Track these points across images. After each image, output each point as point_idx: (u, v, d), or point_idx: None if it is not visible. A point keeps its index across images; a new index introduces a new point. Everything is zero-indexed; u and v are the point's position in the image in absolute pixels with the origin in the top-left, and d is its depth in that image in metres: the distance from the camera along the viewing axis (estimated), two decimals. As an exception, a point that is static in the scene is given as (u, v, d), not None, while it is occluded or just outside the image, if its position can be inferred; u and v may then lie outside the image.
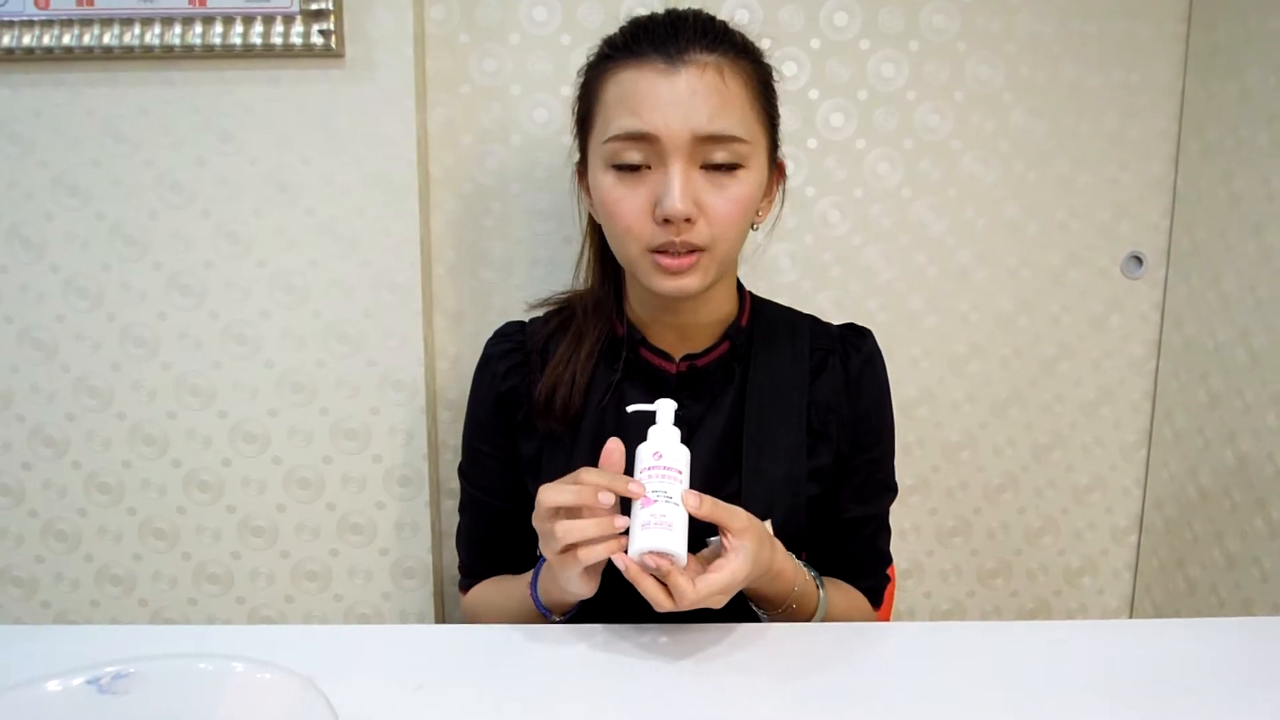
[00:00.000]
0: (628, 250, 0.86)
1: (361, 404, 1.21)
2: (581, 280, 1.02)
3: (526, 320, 1.03)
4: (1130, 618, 1.39)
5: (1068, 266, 1.30)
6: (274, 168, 1.16)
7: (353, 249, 1.18)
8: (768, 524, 0.88)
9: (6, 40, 1.10)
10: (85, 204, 1.16)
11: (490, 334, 1.02)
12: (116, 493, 1.22)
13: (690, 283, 0.84)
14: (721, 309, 0.94)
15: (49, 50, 1.11)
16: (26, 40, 1.10)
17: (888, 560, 1.02)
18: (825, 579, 0.93)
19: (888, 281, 1.29)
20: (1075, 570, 1.38)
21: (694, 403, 0.93)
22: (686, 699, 0.71)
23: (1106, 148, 1.27)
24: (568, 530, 0.73)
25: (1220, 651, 0.78)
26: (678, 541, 0.73)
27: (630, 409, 0.84)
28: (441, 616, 1.29)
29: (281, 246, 1.17)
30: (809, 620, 0.88)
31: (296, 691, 0.63)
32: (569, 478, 0.76)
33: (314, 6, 1.10)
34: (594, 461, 0.79)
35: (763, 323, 0.97)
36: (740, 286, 0.98)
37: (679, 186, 0.80)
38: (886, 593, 1.03)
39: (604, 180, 0.85)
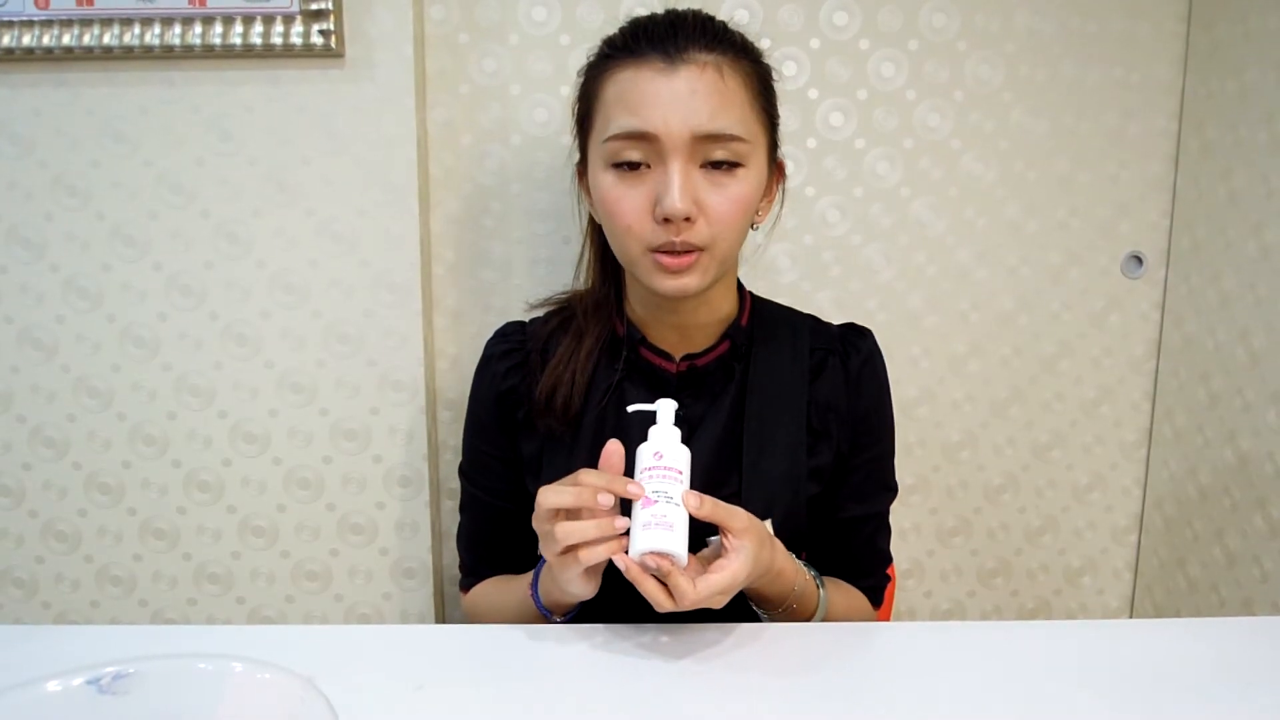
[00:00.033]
0: (628, 250, 0.86)
1: (361, 404, 1.21)
2: (581, 280, 1.02)
3: (527, 320, 1.03)
4: (1130, 617, 1.39)
5: (1067, 265, 1.30)
6: (274, 168, 1.16)
7: (352, 249, 1.18)
8: (768, 523, 0.88)
9: (6, 40, 1.10)
10: (85, 204, 1.16)
11: (490, 334, 1.02)
12: (117, 493, 1.22)
13: (690, 282, 0.84)
14: (722, 308, 0.94)
15: (49, 50, 1.11)
16: (26, 40, 1.10)
17: (888, 559, 1.02)
18: (825, 578, 0.93)
19: (887, 281, 1.29)
20: (1075, 570, 1.38)
21: (694, 402, 0.93)
22: (686, 699, 0.71)
23: (1106, 146, 1.27)
24: (568, 532, 0.74)
25: (1220, 651, 0.78)
26: (678, 542, 0.73)
27: (631, 409, 0.84)
28: (441, 616, 1.29)
29: (281, 246, 1.17)
30: (809, 620, 0.88)
31: (296, 691, 0.64)
32: (568, 479, 0.77)
33: (314, 6, 1.10)
34: (594, 461, 0.79)
35: (763, 322, 0.97)
36: (740, 286, 0.98)
37: (678, 185, 0.80)
38: (887, 592, 1.03)
39: (604, 180, 0.85)
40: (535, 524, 0.77)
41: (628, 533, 0.74)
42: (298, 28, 1.10)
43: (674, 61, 0.81)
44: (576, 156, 0.94)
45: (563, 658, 0.77)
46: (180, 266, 1.17)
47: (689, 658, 0.76)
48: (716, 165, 0.83)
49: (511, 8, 1.20)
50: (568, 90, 1.20)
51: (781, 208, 0.96)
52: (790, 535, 0.89)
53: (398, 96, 1.15)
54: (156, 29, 1.11)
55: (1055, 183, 1.27)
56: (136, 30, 1.10)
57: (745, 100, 0.84)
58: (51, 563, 1.24)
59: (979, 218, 1.28)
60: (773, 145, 0.90)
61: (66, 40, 1.10)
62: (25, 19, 1.10)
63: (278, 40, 1.10)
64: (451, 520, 1.17)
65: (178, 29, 1.11)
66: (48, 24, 1.10)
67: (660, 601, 0.73)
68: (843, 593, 0.97)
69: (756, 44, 0.89)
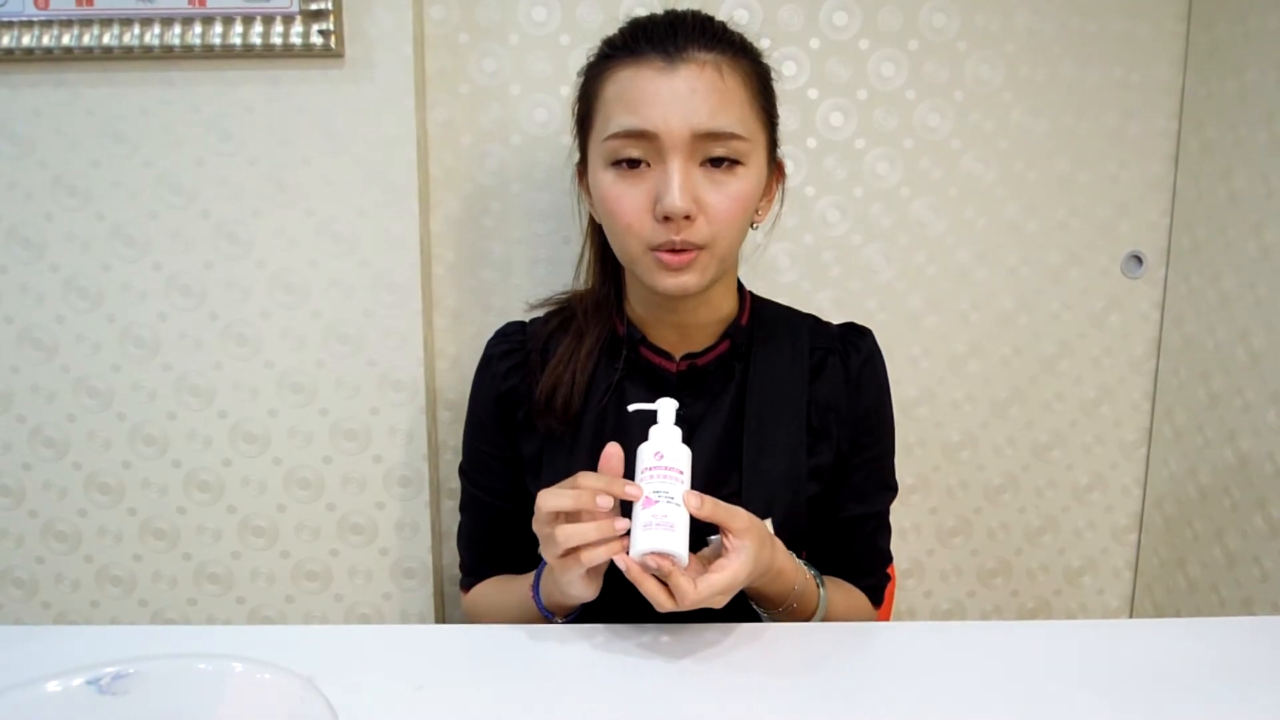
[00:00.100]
0: (628, 248, 0.86)
1: (361, 404, 1.21)
2: (581, 280, 1.02)
3: (527, 320, 1.03)
4: (1130, 617, 1.39)
5: (1067, 265, 1.30)
6: (274, 168, 1.16)
7: (352, 249, 1.18)
8: (768, 523, 0.88)
9: (6, 40, 1.10)
10: (85, 204, 1.16)
11: (490, 334, 1.02)
12: (117, 493, 1.22)
13: (690, 280, 0.84)
14: (722, 308, 0.94)
15: (49, 50, 1.11)
16: (26, 40, 1.10)
17: (888, 559, 1.02)
18: (826, 578, 0.93)
19: (887, 281, 1.29)
20: (1075, 569, 1.38)
21: (694, 402, 0.93)
22: (687, 699, 0.71)
23: (1106, 146, 1.27)
24: (568, 535, 0.74)
25: (1220, 651, 0.78)
26: (679, 542, 0.73)
27: (631, 408, 0.84)
28: (441, 616, 1.29)
29: (281, 246, 1.17)
30: (809, 619, 0.88)
31: (296, 691, 0.64)
32: (567, 482, 0.77)
33: (313, 6, 1.10)
34: (595, 461, 0.79)
35: (763, 322, 0.97)
36: (740, 286, 0.98)
37: (678, 183, 0.81)
38: (887, 592, 1.03)
39: (604, 178, 0.85)
40: (535, 527, 0.77)
41: (628, 533, 0.74)
42: (297, 28, 1.10)
43: (674, 60, 0.82)
44: (576, 156, 0.95)
45: (563, 658, 0.77)
46: (180, 266, 1.17)
47: (689, 658, 0.76)
48: (716, 164, 0.83)
49: (511, 8, 1.20)
50: (568, 90, 1.20)
51: (781, 207, 0.96)
52: (790, 535, 0.89)
53: (397, 96, 1.15)
54: (156, 29, 1.11)
55: (1055, 183, 1.27)
56: (136, 30, 1.10)
57: (745, 99, 0.84)
58: (51, 563, 1.24)
59: (979, 218, 1.28)
60: (772, 144, 0.90)
61: (66, 40, 1.10)
62: (25, 19, 1.10)
63: (277, 40, 1.10)
64: (451, 520, 1.17)
65: (177, 29, 1.11)
66: (48, 24, 1.10)
67: (661, 601, 0.73)
68: (843, 592, 0.97)
69: (756, 44, 0.89)
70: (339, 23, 1.11)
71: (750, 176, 0.85)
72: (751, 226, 0.91)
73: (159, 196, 1.16)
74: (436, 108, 1.22)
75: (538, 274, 1.26)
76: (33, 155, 1.15)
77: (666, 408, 0.80)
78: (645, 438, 0.79)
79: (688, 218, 0.81)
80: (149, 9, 1.10)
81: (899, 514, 1.31)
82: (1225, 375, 1.20)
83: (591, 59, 0.89)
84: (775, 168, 0.93)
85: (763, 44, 0.91)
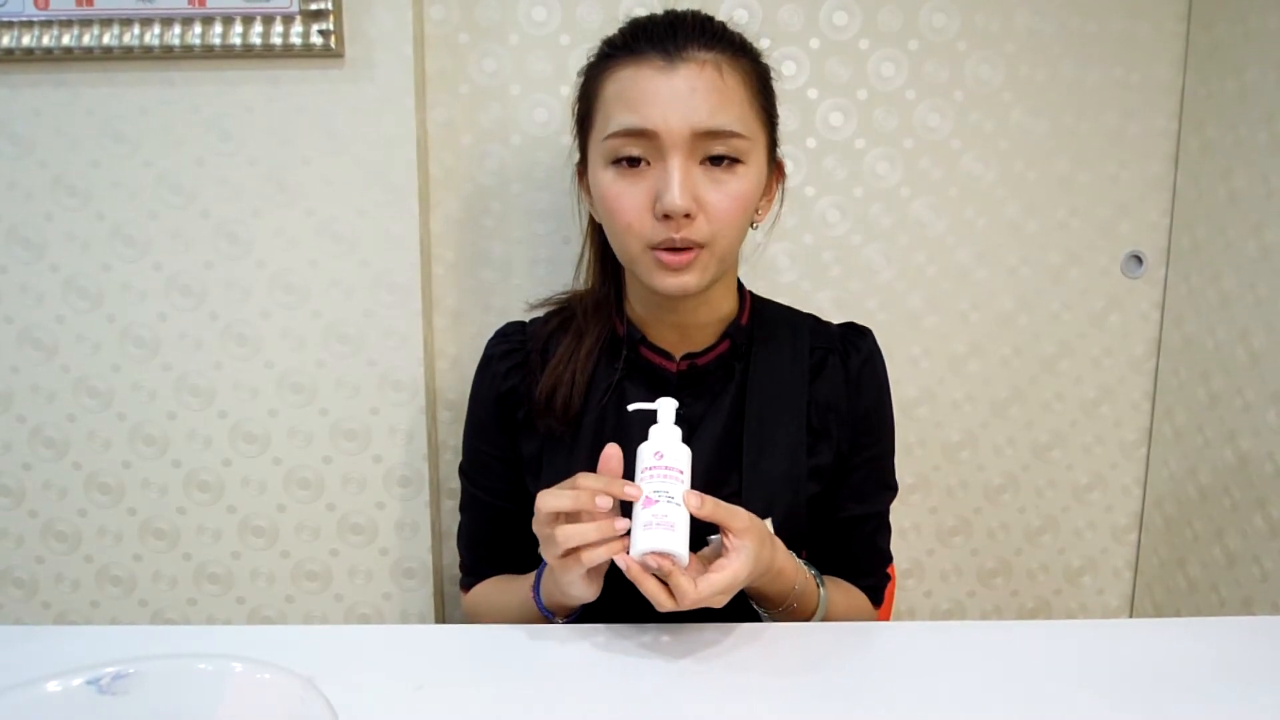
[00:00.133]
0: (628, 247, 0.86)
1: (361, 404, 1.21)
2: (581, 280, 1.02)
3: (527, 320, 1.03)
4: (1130, 617, 1.39)
5: (1067, 265, 1.30)
6: (274, 168, 1.16)
7: (352, 249, 1.18)
8: (768, 522, 0.88)
9: (6, 40, 1.10)
10: (85, 204, 1.16)
11: (490, 334, 1.02)
12: (116, 493, 1.22)
13: (690, 280, 0.84)
14: (722, 308, 0.94)
15: (49, 50, 1.11)
16: (26, 40, 1.10)
17: (888, 559, 1.02)
18: (826, 577, 0.93)
19: (887, 281, 1.29)
20: (1075, 569, 1.38)
21: (694, 401, 0.93)
22: (687, 699, 0.71)
23: (1106, 146, 1.27)
24: (568, 535, 0.74)
25: (1220, 651, 0.78)
26: (679, 542, 0.73)
27: (631, 408, 0.84)
28: (441, 616, 1.29)
29: (281, 246, 1.17)
30: (809, 619, 0.88)
31: (296, 691, 0.64)
32: (566, 483, 0.77)
33: (313, 6, 1.10)
34: (595, 461, 0.79)
35: (763, 322, 0.97)
36: (740, 285, 0.98)
37: (678, 182, 0.81)
38: (887, 591, 1.03)
39: (604, 177, 0.85)
40: (535, 528, 0.77)
41: (628, 533, 0.75)
42: (297, 28, 1.10)
43: (673, 59, 0.82)
44: (576, 156, 0.95)
45: (563, 658, 0.77)
46: (180, 266, 1.17)
47: (689, 658, 0.76)
48: (716, 162, 0.83)
49: (511, 8, 1.20)
50: (568, 90, 1.20)
51: (781, 207, 0.96)
52: (790, 534, 0.89)
53: (397, 96, 1.15)
54: (156, 29, 1.11)
55: (1055, 183, 1.27)
56: (136, 30, 1.10)
57: (744, 98, 0.84)
58: (51, 563, 1.24)
59: (979, 218, 1.28)
60: (772, 144, 0.90)
61: (66, 40, 1.10)
62: (25, 19, 1.10)
63: (277, 40, 1.10)
64: (451, 520, 1.17)
65: (177, 29, 1.11)
66: (47, 24, 1.10)
67: (661, 601, 0.73)
68: (843, 592, 0.97)
69: (756, 44, 0.89)
70: (339, 23, 1.11)
71: (750, 175, 0.85)
72: (751, 226, 0.91)
73: (159, 196, 1.16)
74: (436, 108, 1.22)
75: (538, 274, 1.26)
76: (33, 155, 1.15)
77: (666, 407, 0.80)
78: (645, 437, 0.78)
79: (688, 216, 0.81)
80: (149, 9, 1.10)
81: (899, 514, 1.31)
82: (1225, 375, 1.20)
83: (591, 59, 0.90)
84: (775, 167, 0.93)
85: (762, 44, 0.91)
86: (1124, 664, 0.75)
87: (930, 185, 1.26)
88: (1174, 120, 1.26)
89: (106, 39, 1.10)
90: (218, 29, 1.11)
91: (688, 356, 0.94)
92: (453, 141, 1.23)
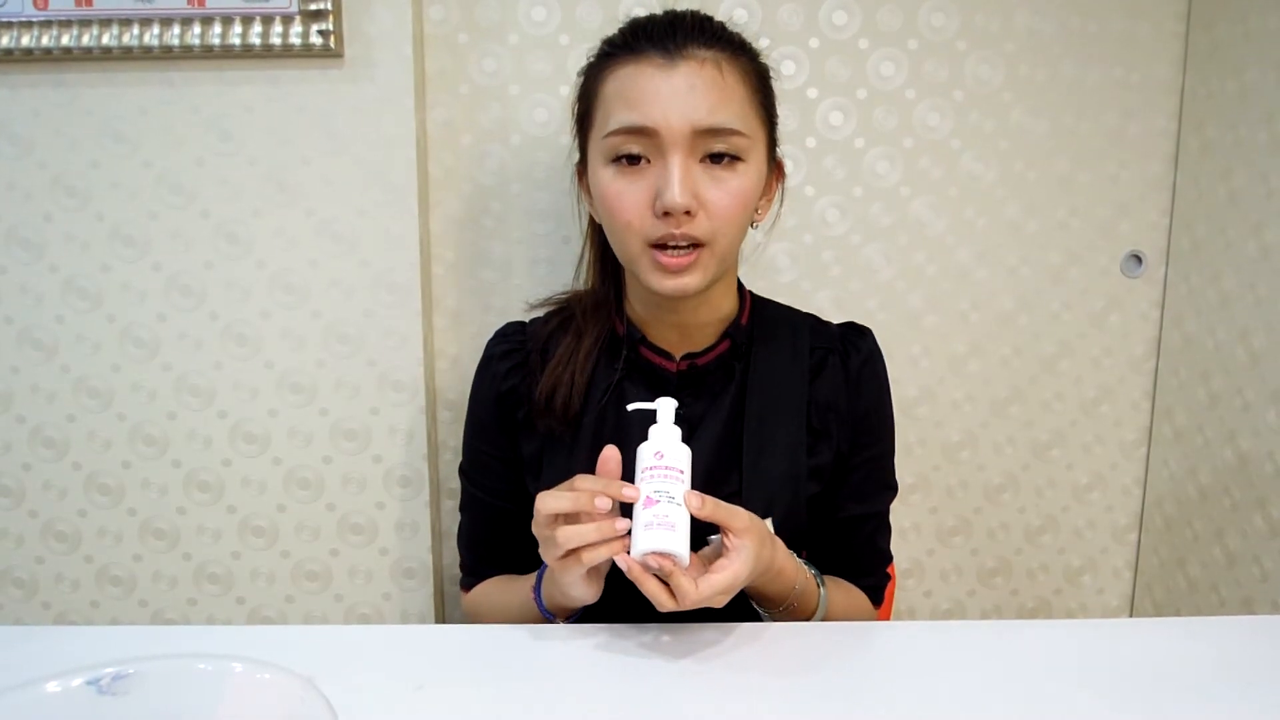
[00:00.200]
0: (628, 246, 0.86)
1: (361, 404, 1.21)
2: (581, 280, 1.02)
3: (527, 320, 1.03)
4: (1130, 616, 1.39)
5: (1067, 265, 1.30)
6: (273, 168, 1.16)
7: (352, 249, 1.18)
8: (768, 522, 0.88)
9: (5, 41, 1.10)
10: (84, 205, 1.16)
11: (490, 334, 1.02)
12: (116, 493, 1.22)
13: (690, 281, 0.84)
14: (722, 308, 0.94)
15: (48, 51, 1.11)
16: (25, 41, 1.10)
17: (888, 559, 1.02)
18: (826, 577, 0.93)
19: (887, 280, 1.29)
20: (1075, 569, 1.38)
21: (694, 401, 0.93)
22: (687, 699, 0.71)
23: (1106, 146, 1.27)
24: (568, 536, 0.74)
25: (1220, 650, 0.78)
26: (680, 542, 0.73)
27: (631, 408, 0.84)
28: (441, 616, 1.29)
29: (281, 247, 1.17)
30: (810, 618, 0.88)
31: (296, 691, 0.64)
32: (565, 485, 0.77)
33: (313, 6, 1.10)
34: (595, 461, 0.79)
35: (763, 321, 0.97)
36: (740, 285, 0.98)
37: (679, 179, 0.81)
38: (887, 591, 1.03)
39: (604, 175, 0.85)
40: (535, 529, 0.78)
41: (629, 533, 0.75)
42: (297, 28, 1.10)
43: (673, 58, 0.82)
44: (576, 156, 0.95)
45: (563, 658, 0.77)
46: (180, 267, 1.17)
47: (689, 658, 0.76)
48: (716, 160, 0.83)
49: (511, 8, 1.20)
50: (567, 90, 1.20)
51: (781, 207, 0.96)
52: (790, 534, 0.89)
53: (397, 96, 1.15)
54: (156, 29, 1.11)
55: (1055, 182, 1.27)
56: (136, 31, 1.10)
57: (744, 96, 0.84)
58: (51, 563, 1.24)
59: (979, 217, 1.28)
60: (771, 143, 0.90)
61: (66, 41, 1.10)
62: (24, 19, 1.10)
63: (277, 40, 1.10)
64: (451, 520, 1.17)
65: (177, 29, 1.11)
66: (47, 24, 1.10)
67: (662, 601, 0.74)
68: (843, 591, 0.97)
69: (755, 43, 0.89)
70: (338, 23, 1.11)
71: (750, 173, 0.85)
72: (751, 226, 0.91)
73: (159, 197, 1.16)
74: (436, 108, 1.22)
75: (538, 274, 1.26)
76: (32, 156, 1.15)
77: (666, 407, 0.80)
78: (645, 437, 0.78)
79: (688, 213, 0.82)
80: (148, 9, 1.10)
81: (899, 514, 1.31)
82: (1225, 375, 1.20)
83: (591, 58, 0.90)
84: (775, 167, 0.93)
85: (762, 43, 0.91)
86: (1124, 664, 0.75)
87: (930, 185, 1.26)
88: (1174, 120, 1.26)
89: (106, 39, 1.10)
90: (217, 29, 1.11)
91: (688, 356, 0.94)
92: (452, 141, 1.23)
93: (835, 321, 1.01)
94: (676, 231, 0.82)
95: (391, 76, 1.14)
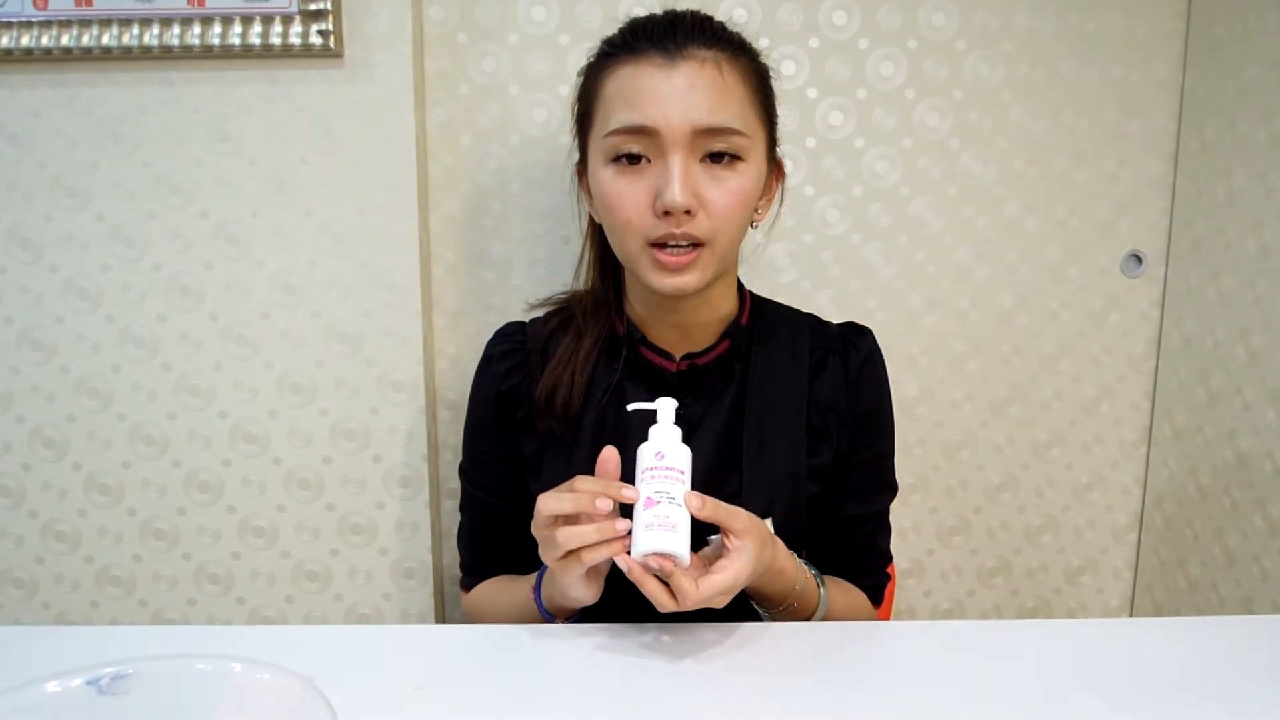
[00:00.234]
0: (628, 245, 0.86)
1: (361, 404, 1.21)
2: (581, 280, 1.02)
3: (527, 320, 1.03)
4: (1130, 616, 1.39)
5: (1067, 264, 1.30)
6: (273, 168, 1.16)
7: (352, 249, 1.18)
8: (768, 522, 0.88)
9: (5, 41, 1.10)
10: (84, 205, 1.16)
11: (490, 334, 1.02)
12: (116, 493, 1.22)
13: (690, 280, 0.84)
14: (722, 307, 0.94)
15: (48, 51, 1.11)
16: (25, 41, 1.10)
17: (888, 558, 1.02)
18: (826, 577, 0.93)
19: (887, 280, 1.29)
20: (1075, 569, 1.38)
21: (694, 401, 0.93)
22: (687, 699, 0.71)
23: (1105, 145, 1.27)
24: (569, 537, 0.74)
25: (1220, 650, 0.78)
26: (681, 543, 0.73)
27: (631, 408, 0.84)
28: (441, 616, 1.29)
29: (280, 247, 1.17)
30: (810, 618, 0.88)
31: (296, 691, 0.64)
32: (564, 486, 0.77)
33: (312, 6, 1.10)
34: (595, 461, 0.79)
35: (763, 321, 0.97)
36: (740, 285, 0.98)
37: (679, 178, 0.81)
38: (887, 591, 1.03)
39: (604, 174, 0.85)
40: (535, 530, 0.78)
41: (629, 533, 0.74)
42: (296, 28, 1.10)
43: (673, 57, 0.82)
44: (576, 156, 0.95)
45: (563, 658, 0.77)
46: (180, 267, 1.17)
47: (690, 658, 0.76)
48: (716, 160, 0.83)
49: (510, 8, 1.20)
50: (567, 90, 1.20)
51: (780, 207, 0.96)
52: (790, 534, 0.89)
53: (396, 97, 1.15)
54: (155, 29, 1.11)
55: (1054, 181, 1.27)
56: (135, 30, 1.10)
57: (744, 96, 0.84)
58: (51, 563, 1.24)
59: (978, 216, 1.28)
60: (771, 143, 0.90)
61: (65, 41, 1.10)
62: (24, 19, 1.10)
63: (276, 40, 1.10)
64: (451, 520, 1.17)
65: (177, 29, 1.11)
66: (46, 24, 1.10)
67: (663, 602, 0.73)
68: (843, 591, 0.97)
69: (755, 43, 0.89)
70: (338, 23, 1.11)
71: (750, 173, 0.85)
72: (751, 226, 0.91)
73: (158, 197, 1.16)
74: (435, 108, 1.22)
75: (538, 274, 1.26)
76: (32, 156, 1.15)
77: (666, 407, 0.80)
78: (645, 437, 0.78)
79: (688, 213, 0.82)
80: (148, 9, 1.10)
81: (899, 514, 1.31)
82: (1225, 374, 1.20)
83: (591, 58, 0.90)
84: (775, 167, 0.93)
85: (762, 43, 0.91)
86: (1124, 664, 0.75)
87: (929, 184, 1.26)
88: (1173, 119, 1.26)
89: (106, 39, 1.10)
90: (217, 29, 1.11)
91: (688, 356, 0.94)
92: (452, 141, 1.23)
93: (835, 321, 1.01)
94: (677, 231, 0.82)
95: (391, 76, 1.14)
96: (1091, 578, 1.39)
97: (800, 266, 1.28)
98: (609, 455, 0.78)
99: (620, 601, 0.81)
